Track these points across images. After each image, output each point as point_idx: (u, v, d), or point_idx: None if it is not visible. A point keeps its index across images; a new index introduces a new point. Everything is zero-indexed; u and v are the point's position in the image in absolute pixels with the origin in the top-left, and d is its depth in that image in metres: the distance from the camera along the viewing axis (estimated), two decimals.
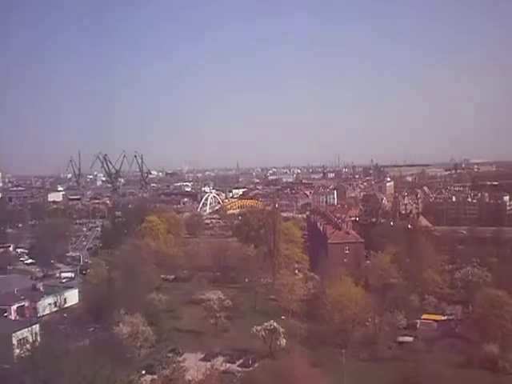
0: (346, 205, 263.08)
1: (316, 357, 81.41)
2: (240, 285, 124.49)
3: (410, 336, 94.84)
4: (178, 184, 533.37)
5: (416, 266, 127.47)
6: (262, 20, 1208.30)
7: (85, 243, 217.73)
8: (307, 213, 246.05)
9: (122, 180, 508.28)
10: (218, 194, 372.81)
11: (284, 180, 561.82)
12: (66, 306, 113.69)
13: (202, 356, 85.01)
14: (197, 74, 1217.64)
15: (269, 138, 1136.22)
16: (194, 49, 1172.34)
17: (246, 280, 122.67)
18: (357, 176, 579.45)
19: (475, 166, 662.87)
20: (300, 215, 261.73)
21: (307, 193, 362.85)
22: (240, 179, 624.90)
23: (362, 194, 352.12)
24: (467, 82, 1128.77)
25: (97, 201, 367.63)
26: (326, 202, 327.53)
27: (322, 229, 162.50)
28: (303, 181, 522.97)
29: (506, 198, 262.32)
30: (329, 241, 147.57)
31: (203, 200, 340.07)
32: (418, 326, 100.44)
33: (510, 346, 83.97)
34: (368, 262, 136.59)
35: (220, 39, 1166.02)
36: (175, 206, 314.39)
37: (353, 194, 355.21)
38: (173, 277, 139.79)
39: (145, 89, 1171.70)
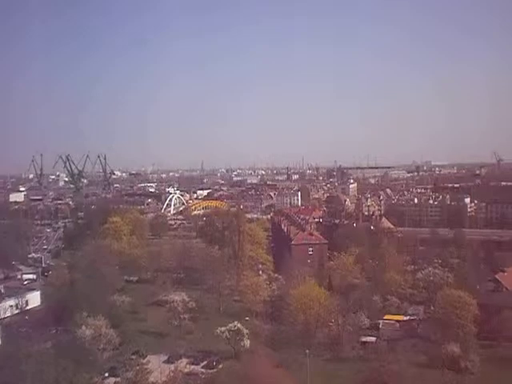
0: (309, 206, 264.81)
1: (280, 357, 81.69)
2: (204, 286, 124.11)
3: (373, 336, 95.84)
4: (142, 185, 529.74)
5: (379, 266, 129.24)
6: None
7: (47, 245, 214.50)
8: (271, 214, 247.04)
9: (85, 181, 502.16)
10: (182, 195, 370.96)
11: (249, 181, 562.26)
12: (28, 308, 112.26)
13: (166, 358, 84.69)
14: (162, 74, 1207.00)
15: (234, 138, 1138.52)
16: (164, 46, 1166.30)
17: (211, 281, 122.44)
18: (320, 178, 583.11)
19: (437, 169, 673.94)
20: (264, 216, 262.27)
21: (271, 194, 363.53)
22: (205, 180, 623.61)
23: (325, 195, 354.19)
24: (430, 85, 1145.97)
25: (59, 201, 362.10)
26: (290, 203, 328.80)
27: (286, 230, 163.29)
28: (268, 182, 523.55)
29: (467, 200, 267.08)
30: (293, 242, 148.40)
31: (167, 201, 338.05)
32: (380, 326, 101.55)
33: (472, 346, 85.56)
34: (331, 262, 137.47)
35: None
36: (139, 207, 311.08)
37: (316, 196, 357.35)
38: (136, 278, 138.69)
39: (110, 89, 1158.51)
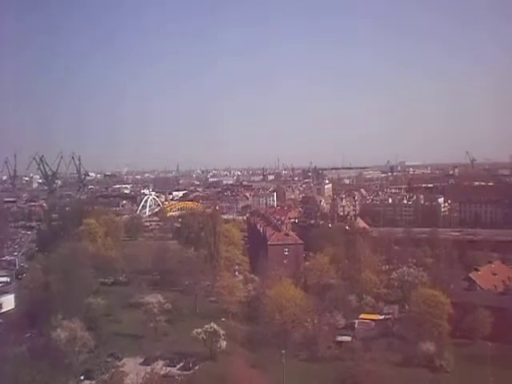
0: (285, 207, 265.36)
1: (256, 358, 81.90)
2: (180, 288, 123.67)
3: (349, 336, 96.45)
4: (117, 186, 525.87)
5: (354, 266, 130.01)
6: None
7: (21, 247, 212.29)
8: (247, 215, 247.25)
9: (59, 182, 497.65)
10: (157, 196, 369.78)
11: (224, 182, 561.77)
12: (2, 311, 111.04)
13: (142, 360, 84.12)
14: (137, 74, 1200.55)
15: (209, 139, 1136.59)
16: (134, 43, 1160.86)
17: (186, 283, 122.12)
18: (296, 178, 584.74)
19: (411, 169, 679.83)
20: (240, 217, 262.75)
21: (247, 195, 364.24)
22: (180, 181, 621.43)
23: (301, 196, 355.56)
24: (404, 86, 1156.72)
25: (33, 203, 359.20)
26: (266, 203, 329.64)
27: (261, 230, 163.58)
28: (243, 183, 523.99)
29: (441, 199, 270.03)
30: (268, 242, 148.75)
31: (143, 202, 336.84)
32: (356, 325, 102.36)
33: (446, 345, 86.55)
34: (307, 263, 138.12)
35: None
36: (114, 209, 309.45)
37: (292, 196, 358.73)
38: (111, 280, 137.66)
39: (84, 89, 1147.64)
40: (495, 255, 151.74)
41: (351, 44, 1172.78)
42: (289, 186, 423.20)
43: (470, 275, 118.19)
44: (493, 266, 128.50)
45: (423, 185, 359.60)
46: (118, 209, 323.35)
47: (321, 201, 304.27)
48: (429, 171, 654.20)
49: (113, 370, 73.89)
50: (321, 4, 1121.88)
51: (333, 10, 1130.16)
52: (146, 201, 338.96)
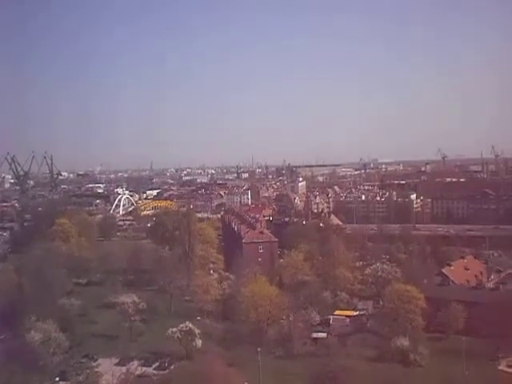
0: (259, 204, 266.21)
1: (232, 356, 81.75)
2: (155, 287, 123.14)
3: (324, 332, 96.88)
4: (90, 185, 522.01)
5: (328, 263, 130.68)
6: None
7: None
8: (222, 213, 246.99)
9: (31, 182, 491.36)
10: (131, 196, 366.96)
11: (198, 181, 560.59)
12: None
13: (117, 360, 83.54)
14: (108, 71, 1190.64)
15: (182, 138, 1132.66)
16: (109, 42, 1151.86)
17: (161, 282, 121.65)
18: (270, 176, 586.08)
19: (383, 166, 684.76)
20: (215, 216, 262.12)
21: (222, 193, 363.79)
22: (154, 180, 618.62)
23: (275, 193, 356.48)
24: (377, 84, 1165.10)
25: (5, 204, 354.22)
26: (241, 202, 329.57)
27: (236, 229, 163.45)
28: (218, 181, 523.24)
29: (413, 196, 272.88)
30: (243, 240, 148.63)
31: (116, 201, 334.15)
32: (331, 322, 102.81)
33: (420, 339, 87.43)
34: (282, 260, 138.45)
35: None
36: (87, 208, 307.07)
37: (266, 194, 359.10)
38: (85, 281, 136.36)
39: (56, 87, 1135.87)
40: (467, 250, 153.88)
41: (328, 40, 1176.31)
42: (263, 184, 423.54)
43: (443, 270, 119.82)
44: (465, 261, 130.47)
45: (396, 181, 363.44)
46: (91, 208, 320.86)
47: (295, 198, 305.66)
48: (401, 168, 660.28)
49: (88, 371, 73.45)
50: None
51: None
52: (119, 200, 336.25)
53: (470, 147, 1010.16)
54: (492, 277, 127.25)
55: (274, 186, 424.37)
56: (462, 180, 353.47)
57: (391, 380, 73.45)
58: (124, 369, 76.34)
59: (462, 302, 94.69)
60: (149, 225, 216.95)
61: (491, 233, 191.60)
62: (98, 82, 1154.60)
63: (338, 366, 71.18)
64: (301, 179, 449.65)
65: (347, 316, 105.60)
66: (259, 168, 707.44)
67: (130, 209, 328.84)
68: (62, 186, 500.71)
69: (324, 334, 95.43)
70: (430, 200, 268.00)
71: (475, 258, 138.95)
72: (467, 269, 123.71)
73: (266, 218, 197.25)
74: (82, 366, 79.07)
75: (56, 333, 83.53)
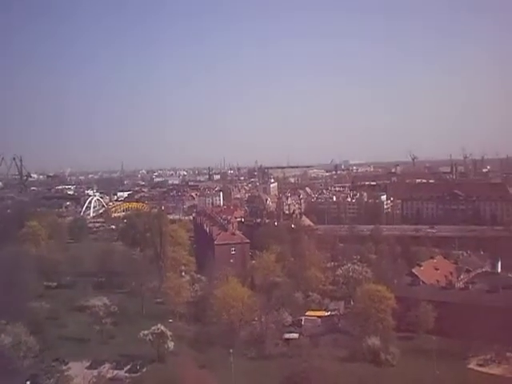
0: (231, 206, 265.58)
1: (204, 358, 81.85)
2: (126, 289, 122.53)
3: (296, 333, 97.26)
4: (60, 187, 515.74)
5: (300, 264, 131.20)
6: None
7: None
8: (193, 215, 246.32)
9: (0, 183, 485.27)
10: (102, 197, 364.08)
11: (170, 182, 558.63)
12: None
13: (88, 364, 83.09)
14: (78, 72, 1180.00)
15: (153, 139, 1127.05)
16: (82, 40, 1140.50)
17: (133, 284, 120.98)
18: (242, 178, 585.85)
19: (354, 167, 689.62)
20: (186, 217, 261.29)
21: (193, 195, 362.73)
22: (125, 182, 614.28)
23: (247, 195, 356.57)
24: (349, 87, 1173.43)
25: None
26: (212, 203, 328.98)
27: (208, 230, 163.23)
28: (189, 183, 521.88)
29: (384, 197, 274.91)
30: (215, 242, 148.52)
31: (86, 203, 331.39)
32: (302, 322, 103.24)
33: (391, 339, 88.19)
34: (254, 261, 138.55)
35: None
36: (57, 210, 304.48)
37: (238, 196, 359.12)
38: (56, 283, 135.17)
39: (26, 88, 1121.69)
40: (437, 250, 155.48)
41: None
42: (235, 186, 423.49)
43: (413, 270, 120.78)
44: (435, 261, 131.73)
45: (366, 183, 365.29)
46: (61, 210, 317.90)
47: (267, 199, 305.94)
48: (372, 169, 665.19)
49: (58, 375, 72.77)
50: None
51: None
52: (90, 202, 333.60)
53: (439, 149, 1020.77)
54: (461, 277, 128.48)
55: (246, 187, 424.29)
56: (431, 181, 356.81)
57: (363, 380, 74.11)
58: (95, 372, 76.10)
59: (432, 301, 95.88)
60: (120, 227, 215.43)
61: (460, 233, 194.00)
62: (68, 82, 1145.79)
63: (310, 366, 71.52)
64: (272, 180, 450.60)
65: (319, 316, 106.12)
66: (231, 169, 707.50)
67: (101, 211, 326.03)
68: (32, 188, 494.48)
69: (296, 335, 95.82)
70: (400, 201, 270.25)
71: (445, 258, 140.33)
72: (437, 269, 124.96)
73: (238, 220, 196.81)
74: (53, 369, 78.16)
75: (26, 336, 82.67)
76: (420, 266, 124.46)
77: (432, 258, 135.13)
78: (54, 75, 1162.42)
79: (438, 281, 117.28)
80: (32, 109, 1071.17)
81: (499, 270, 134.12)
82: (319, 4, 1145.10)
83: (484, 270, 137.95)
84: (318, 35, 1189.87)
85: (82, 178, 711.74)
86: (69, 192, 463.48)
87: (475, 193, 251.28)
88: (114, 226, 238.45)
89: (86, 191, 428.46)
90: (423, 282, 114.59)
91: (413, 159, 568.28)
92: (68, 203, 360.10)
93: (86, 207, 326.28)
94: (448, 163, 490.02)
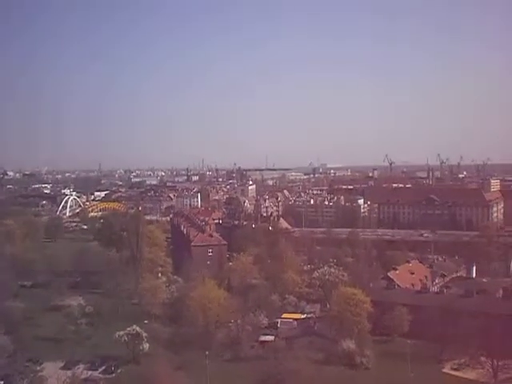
0: (209, 207, 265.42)
1: (180, 360, 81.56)
2: (102, 290, 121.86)
3: (272, 335, 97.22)
4: (37, 186, 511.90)
5: (276, 266, 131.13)
6: None
7: None
8: (171, 216, 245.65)
9: None
10: (78, 197, 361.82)
11: (148, 182, 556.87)
12: None
13: (63, 364, 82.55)
14: (53, 67, 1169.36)
15: (132, 139, 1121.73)
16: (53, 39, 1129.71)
17: (108, 285, 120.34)
18: (220, 179, 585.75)
19: (332, 171, 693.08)
20: (164, 218, 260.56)
21: (171, 195, 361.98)
22: (102, 181, 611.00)
23: (225, 196, 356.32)
24: (327, 87, 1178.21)
25: None
26: (190, 204, 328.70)
27: (185, 231, 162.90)
28: (167, 183, 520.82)
29: (361, 201, 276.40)
30: (192, 243, 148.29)
31: (63, 203, 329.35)
32: (278, 325, 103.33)
33: (366, 342, 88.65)
34: (231, 263, 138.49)
35: None
36: (33, 209, 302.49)
37: (216, 197, 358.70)
38: (31, 283, 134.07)
39: (2, 87, 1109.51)
40: (412, 255, 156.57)
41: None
42: (213, 187, 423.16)
43: (389, 274, 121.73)
44: (410, 265, 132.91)
45: (344, 186, 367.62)
46: (37, 209, 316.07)
47: (244, 202, 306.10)
48: (349, 173, 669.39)
49: (32, 375, 72.22)
50: None
51: None
52: (66, 201, 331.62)
53: (416, 154, 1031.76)
54: (436, 281, 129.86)
55: (224, 189, 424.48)
56: (408, 186, 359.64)
57: (338, 382, 74.46)
58: (69, 373, 75.55)
59: (407, 305, 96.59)
60: (96, 227, 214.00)
61: (436, 238, 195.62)
62: (44, 81, 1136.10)
63: (285, 368, 71.59)
64: (251, 183, 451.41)
65: (295, 319, 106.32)
66: (209, 171, 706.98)
67: (78, 210, 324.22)
68: (8, 186, 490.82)
69: (272, 337, 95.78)
70: (376, 205, 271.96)
71: (420, 262, 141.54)
72: (412, 273, 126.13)
73: (216, 221, 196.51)
74: (27, 369, 77.57)
75: (0, 336, 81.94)
76: (395, 269, 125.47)
77: (408, 262, 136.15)
78: (28, 73, 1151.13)
79: (413, 285, 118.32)
80: (9, 107, 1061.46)
81: (474, 274, 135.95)
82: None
83: (459, 274, 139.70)
84: (301, 37, 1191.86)
85: (58, 176, 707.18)
86: (45, 191, 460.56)
87: (451, 198, 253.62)
88: (90, 226, 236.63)
89: (63, 190, 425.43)
90: (398, 285, 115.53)
91: (390, 164, 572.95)
92: (44, 202, 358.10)
93: (63, 206, 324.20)
94: (425, 168, 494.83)
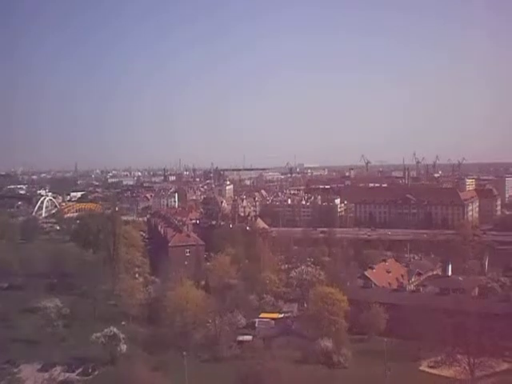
0: (186, 208, 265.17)
1: (157, 361, 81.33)
2: (78, 291, 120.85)
3: (250, 335, 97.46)
4: (12, 186, 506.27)
5: (254, 266, 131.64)
6: None
7: None
8: (148, 216, 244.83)
9: None
10: (54, 197, 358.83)
11: (124, 183, 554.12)
12: None
13: (40, 366, 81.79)
14: (25, 67, 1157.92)
15: (108, 139, 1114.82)
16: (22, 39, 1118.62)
17: (85, 286, 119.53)
18: (197, 179, 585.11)
19: (309, 171, 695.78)
20: (141, 218, 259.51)
21: (148, 196, 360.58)
22: (78, 182, 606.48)
23: (202, 196, 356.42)
24: (302, 88, 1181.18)
25: None
26: (167, 204, 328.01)
27: (162, 232, 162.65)
28: (144, 184, 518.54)
29: (337, 200, 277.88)
30: (170, 244, 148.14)
31: (39, 203, 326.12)
32: (256, 324, 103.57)
33: (344, 341, 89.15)
34: (208, 263, 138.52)
35: None
36: (8, 210, 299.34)
37: (194, 197, 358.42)
38: (6, 284, 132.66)
39: None
40: (389, 253, 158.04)
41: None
42: (190, 187, 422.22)
43: (366, 273, 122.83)
44: (387, 263, 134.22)
45: (321, 186, 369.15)
46: (12, 210, 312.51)
47: (222, 202, 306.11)
48: (326, 173, 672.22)
49: (9, 377, 71.55)
50: None
51: None
52: (42, 202, 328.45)
53: (392, 153, 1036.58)
54: (413, 279, 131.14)
55: (202, 189, 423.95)
56: (384, 185, 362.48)
57: (315, 381, 74.81)
58: (47, 375, 74.95)
59: (384, 303, 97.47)
60: (73, 228, 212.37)
61: (412, 236, 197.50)
62: (18, 79, 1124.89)
63: (263, 368, 71.68)
64: (228, 183, 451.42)
65: (272, 318, 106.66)
66: (187, 171, 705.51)
67: (53, 211, 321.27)
68: None
69: (249, 337, 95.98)
70: (353, 204, 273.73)
71: (396, 260, 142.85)
72: (389, 271, 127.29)
73: (193, 221, 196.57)
74: (4, 372, 76.76)
75: None
76: (372, 268, 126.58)
77: (384, 260, 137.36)
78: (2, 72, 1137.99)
79: (389, 283, 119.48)
80: None
81: (449, 273, 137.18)
82: None
83: (435, 273, 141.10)
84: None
85: (34, 177, 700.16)
86: (21, 191, 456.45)
87: (427, 197, 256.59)
88: (66, 227, 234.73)
89: (39, 191, 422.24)
90: (375, 284, 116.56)
91: (366, 163, 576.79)
92: (20, 203, 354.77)
93: (39, 207, 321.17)
94: (400, 168, 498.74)
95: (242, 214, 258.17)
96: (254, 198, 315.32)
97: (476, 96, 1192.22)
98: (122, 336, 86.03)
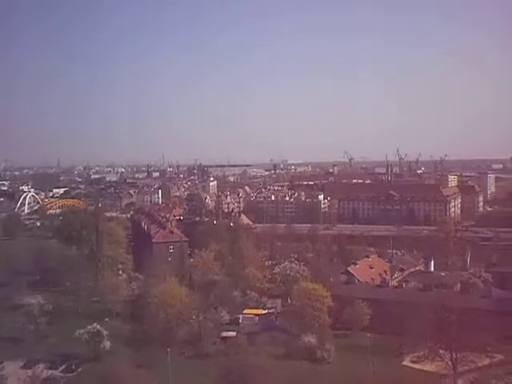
0: (170, 204, 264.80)
1: (141, 357, 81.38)
2: (62, 288, 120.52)
3: (233, 331, 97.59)
4: None
5: (238, 262, 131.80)
6: None
7: None
8: (131, 212, 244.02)
9: None
10: (37, 194, 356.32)
11: (108, 179, 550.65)
12: None
13: (23, 364, 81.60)
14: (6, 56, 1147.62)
15: (92, 135, 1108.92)
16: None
17: (68, 283, 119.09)
18: (181, 175, 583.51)
19: (292, 167, 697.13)
20: (124, 215, 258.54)
21: (131, 192, 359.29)
22: (61, 178, 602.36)
23: (186, 193, 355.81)
24: (289, 86, 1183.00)
25: None
26: (151, 201, 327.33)
27: (146, 228, 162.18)
28: (127, 180, 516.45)
29: (321, 196, 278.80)
30: (153, 240, 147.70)
31: (21, 199, 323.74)
32: (240, 320, 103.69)
33: (327, 336, 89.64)
34: (192, 260, 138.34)
35: None
36: None
37: (177, 193, 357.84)
38: None
39: None
40: (372, 249, 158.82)
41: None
42: (174, 184, 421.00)
43: (349, 269, 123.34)
44: (370, 259, 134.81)
45: (304, 182, 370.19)
46: None
47: (206, 198, 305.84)
48: (310, 169, 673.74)
49: None
50: None
51: None
52: (24, 198, 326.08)
53: (375, 150, 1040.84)
54: (395, 275, 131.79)
55: (185, 185, 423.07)
56: (367, 182, 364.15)
57: (299, 377, 75.21)
58: (30, 372, 74.66)
59: (367, 299, 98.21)
60: (55, 224, 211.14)
61: (395, 233, 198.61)
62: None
63: (247, 364, 72.05)
64: (212, 179, 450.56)
65: (256, 314, 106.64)
66: (170, 167, 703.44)
67: (36, 207, 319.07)
68: None
69: (233, 333, 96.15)
70: (336, 200, 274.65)
71: (379, 256, 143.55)
72: (372, 267, 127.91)
73: (177, 218, 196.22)
74: None
75: None
76: (355, 264, 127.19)
77: (367, 256, 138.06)
78: None
79: (372, 279, 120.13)
80: None
81: (432, 268, 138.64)
82: None
83: (417, 268, 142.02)
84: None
85: (16, 173, 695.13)
86: (2, 188, 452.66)
87: (410, 193, 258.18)
88: (49, 223, 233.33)
89: (21, 187, 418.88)
90: (358, 280, 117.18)
91: (349, 160, 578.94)
92: (2, 199, 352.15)
93: (21, 203, 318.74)
94: (383, 164, 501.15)
95: (226, 210, 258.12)
96: (238, 194, 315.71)
97: (462, 94, 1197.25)
98: (105, 333, 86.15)
